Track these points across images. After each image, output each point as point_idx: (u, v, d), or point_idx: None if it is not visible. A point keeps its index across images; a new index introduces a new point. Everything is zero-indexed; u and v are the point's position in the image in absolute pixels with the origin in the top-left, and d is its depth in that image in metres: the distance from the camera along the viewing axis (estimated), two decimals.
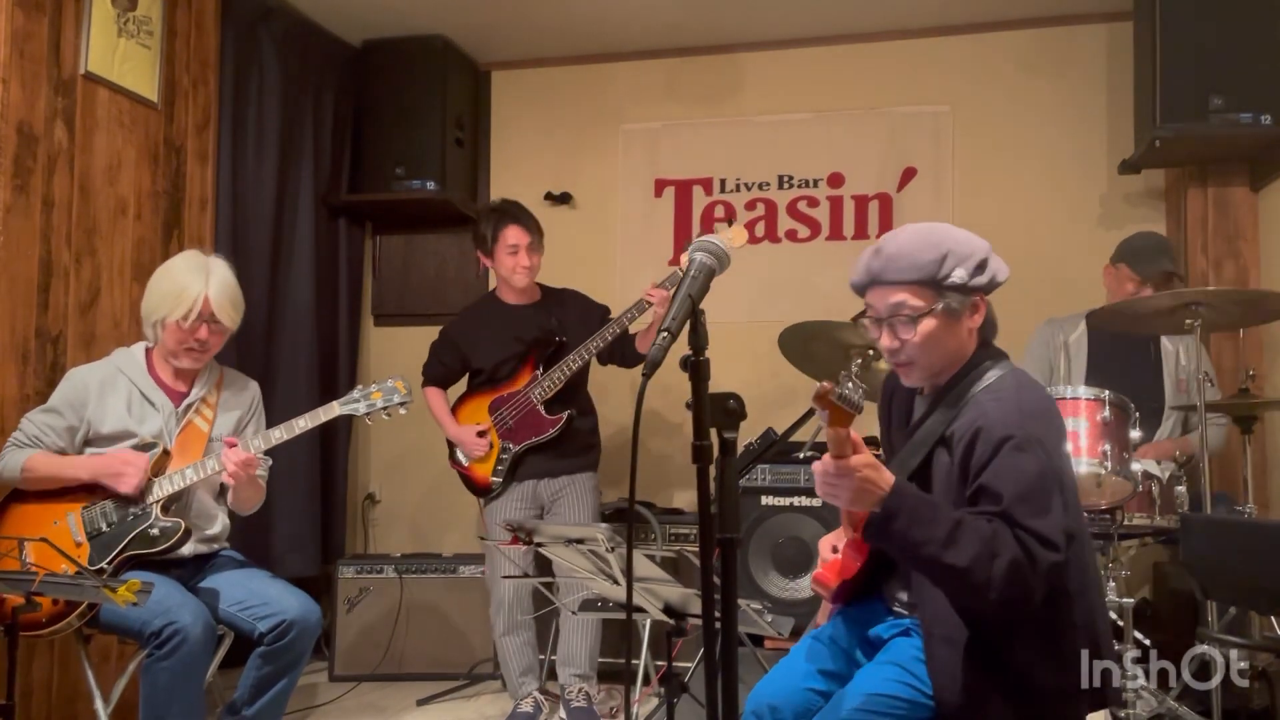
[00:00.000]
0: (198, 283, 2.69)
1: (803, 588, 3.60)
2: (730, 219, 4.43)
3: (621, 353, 3.59)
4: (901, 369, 1.89)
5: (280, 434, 2.70)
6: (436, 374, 3.70)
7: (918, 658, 1.81)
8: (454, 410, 3.63)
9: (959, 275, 1.80)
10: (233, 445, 2.64)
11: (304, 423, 2.71)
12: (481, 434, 3.51)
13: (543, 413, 3.48)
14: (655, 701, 3.59)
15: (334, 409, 2.74)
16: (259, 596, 2.61)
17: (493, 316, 3.64)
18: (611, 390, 4.17)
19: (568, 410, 3.49)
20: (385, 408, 2.76)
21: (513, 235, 3.52)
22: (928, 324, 1.81)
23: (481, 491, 3.58)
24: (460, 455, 3.57)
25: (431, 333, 4.81)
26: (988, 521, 1.67)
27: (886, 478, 1.66)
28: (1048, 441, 1.75)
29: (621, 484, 4.34)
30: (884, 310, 1.83)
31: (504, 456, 3.50)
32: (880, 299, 1.84)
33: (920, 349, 1.83)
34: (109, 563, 2.56)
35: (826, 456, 1.65)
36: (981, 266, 1.83)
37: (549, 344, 3.53)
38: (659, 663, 3.65)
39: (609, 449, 3.93)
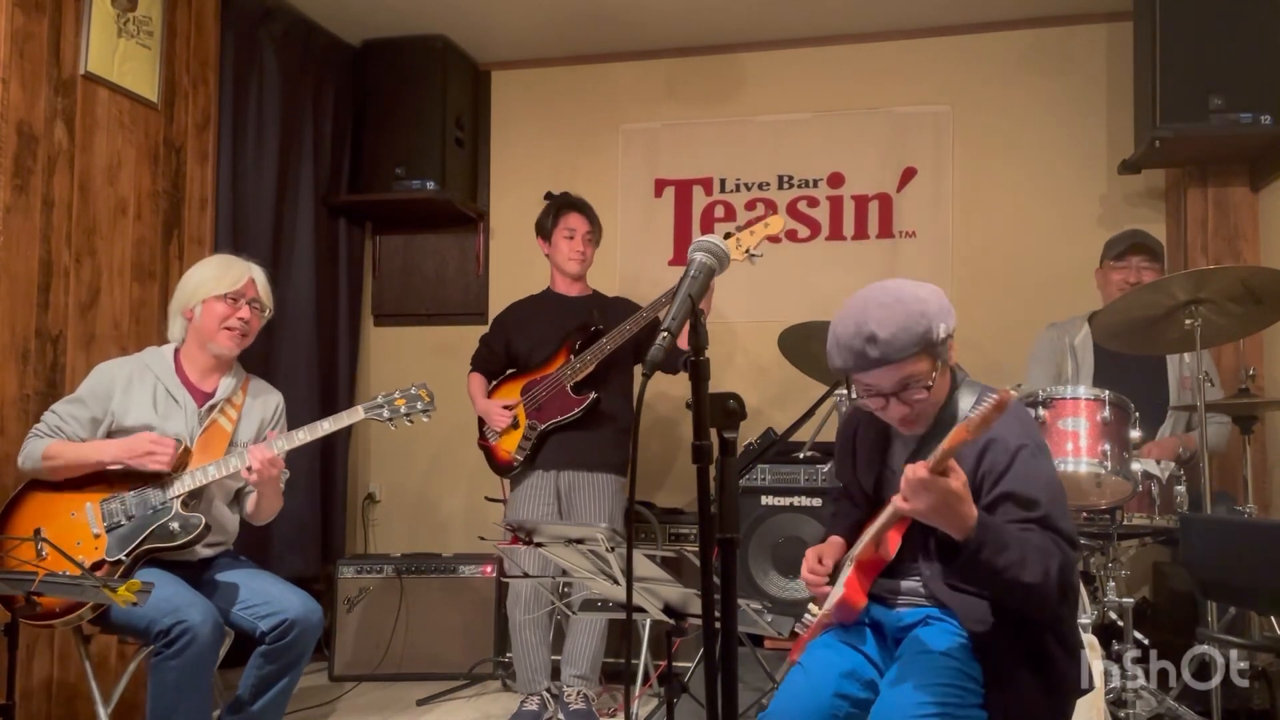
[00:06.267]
0: (241, 265, 2.82)
1: (802, 588, 3.59)
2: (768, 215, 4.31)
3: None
4: (908, 424, 1.95)
5: (304, 435, 2.71)
6: (482, 359, 3.74)
7: (956, 639, 1.87)
8: (490, 395, 3.65)
9: (942, 331, 1.87)
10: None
11: (328, 425, 2.73)
12: (507, 407, 3.54)
13: (570, 393, 3.49)
14: (655, 701, 3.59)
15: (358, 413, 2.77)
16: (260, 596, 2.62)
17: (543, 304, 3.71)
18: None
19: (594, 393, 3.49)
20: (409, 414, 2.79)
21: (571, 220, 3.63)
22: (934, 382, 1.89)
23: (503, 469, 3.58)
24: (487, 431, 3.59)
25: (431, 332, 4.87)
26: (1035, 532, 1.78)
27: (972, 508, 1.71)
28: (1047, 449, 1.93)
29: None
30: (893, 386, 1.87)
31: (529, 434, 3.51)
32: (885, 377, 1.87)
33: (931, 405, 1.93)
34: (127, 554, 2.57)
35: (922, 466, 1.67)
36: (947, 311, 1.90)
37: (585, 331, 3.54)
38: (659, 662, 3.65)
39: None
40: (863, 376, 1.88)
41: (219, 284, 2.75)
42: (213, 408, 2.77)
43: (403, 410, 2.78)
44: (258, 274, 2.83)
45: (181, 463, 2.65)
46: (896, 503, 1.74)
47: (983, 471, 1.85)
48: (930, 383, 1.87)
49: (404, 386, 2.82)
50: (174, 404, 2.73)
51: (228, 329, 2.74)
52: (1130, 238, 3.54)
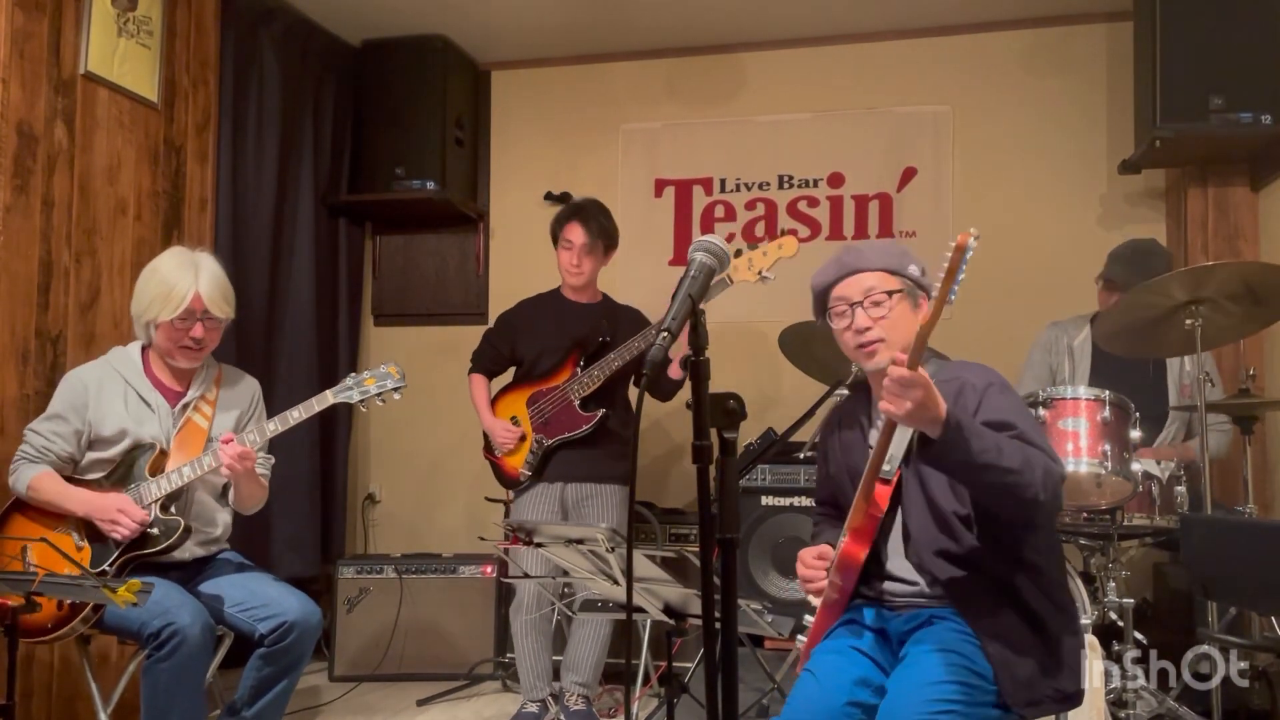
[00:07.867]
0: (187, 279, 2.64)
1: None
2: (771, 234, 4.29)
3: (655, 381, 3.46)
4: (870, 349, 2.02)
5: (275, 426, 2.66)
6: (486, 358, 3.68)
7: (962, 639, 1.88)
8: (494, 401, 3.61)
9: (915, 270, 2.06)
10: (228, 441, 2.60)
11: (298, 413, 2.66)
12: (512, 430, 3.50)
13: (578, 409, 3.45)
14: (655, 701, 3.59)
15: (328, 398, 2.68)
16: (259, 598, 2.60)
17: (549, 307, 3.64)
18: None
19: (602, 409, 3.45)
20: (380, 393, 2.70)
21: (570, 231, 3.51)
22: (896, 303, 2.02)
23: (510, 483, 3.56)
24: (493, 446, 3.57)
25: (431, 333, 4.87)
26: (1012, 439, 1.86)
27: (944, 402, 1.75)
28: (1013, 388, 2.05)
29: None
30: (858, 294, 2.03)
31: (535, 450, 3.48)
32: (853, 286, 2.04)
33: (890, 327, 2.01)
34: (111, 564, 2.55)
35: (896, 369, 1.70)
36: (925, 273, 2.07)
37: (593, 343, 3.49)
38: (659, 663, 3.65)
39: None
40: (837, 289, 2.06)
41: (164, 310, 2.61)
42: (186, 406, 2.73)
43: (373, 390, 2.69)
44: (206, 282, 2.64)
45: (158, 466, 2.63)
46: (882, 407, 1.76)
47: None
48: (890, 292, 2.00)
49: (372, 367, 2.74)
50: (146, 408, 2.69)
51: (184, 348, 2.68)
52: (1137, 263, 3.38)
